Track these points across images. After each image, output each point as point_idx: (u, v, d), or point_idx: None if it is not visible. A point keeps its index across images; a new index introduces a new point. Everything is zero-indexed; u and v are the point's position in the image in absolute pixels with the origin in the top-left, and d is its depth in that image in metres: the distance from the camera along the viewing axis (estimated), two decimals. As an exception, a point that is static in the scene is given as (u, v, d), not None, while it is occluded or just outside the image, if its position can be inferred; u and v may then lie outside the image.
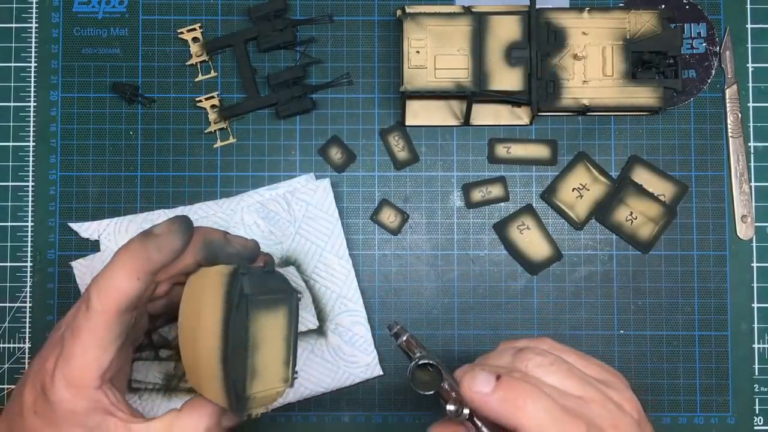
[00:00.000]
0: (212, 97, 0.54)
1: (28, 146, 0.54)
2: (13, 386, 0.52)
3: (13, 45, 0.54)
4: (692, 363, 0.53)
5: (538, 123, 0.54)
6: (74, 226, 0.52)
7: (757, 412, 0.53)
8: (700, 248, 0.53)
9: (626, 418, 0.35)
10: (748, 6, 0.55)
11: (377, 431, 0.52)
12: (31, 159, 0.54)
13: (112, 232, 0.52)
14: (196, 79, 0.54)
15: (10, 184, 0.54)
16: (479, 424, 0.35)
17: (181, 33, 0.54)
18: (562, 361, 0.36)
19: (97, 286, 0.37)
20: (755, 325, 0.53)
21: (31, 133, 0.54)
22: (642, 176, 0.54)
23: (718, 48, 0.55)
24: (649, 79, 0.51)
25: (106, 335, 0.36)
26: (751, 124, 0.54)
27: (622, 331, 0.53)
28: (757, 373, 0.53)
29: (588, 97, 0.51)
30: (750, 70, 0.55)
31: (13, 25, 0.54)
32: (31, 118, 0.54)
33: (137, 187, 0.53)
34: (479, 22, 0.51)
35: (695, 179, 0.54)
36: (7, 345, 0.53)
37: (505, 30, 0.51)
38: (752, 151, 0.54)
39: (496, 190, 0.54)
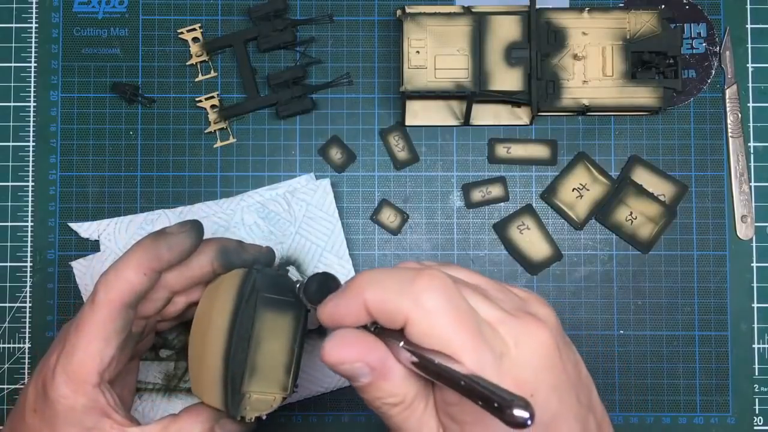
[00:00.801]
0: (212, 97, 0.54)
1: (28, 146, 0.54)
2: (13, 386, 0.53)
3: (13, 45, 0.54)
4: (692, 363, 0.53)
5: (538, 123, 0.54)
6: (74, 226, 0.52)
7: (757, 412, 0.53)
8: (700, 248, 0.53)
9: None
10: (748, 6, 0.55)
11: (377, 431, 0.52)
12: (31, 159, 0.54)
13: (112, 232, 0.52)
14: (196, 79, 0.54)
15: (10, 184, 0.54)
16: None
17: (181, 33, 0.54)
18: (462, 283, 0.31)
19: (106, 279, 0.37)
20: (755, 325, 0.53)
21: (31, 133, 0.54)
22: (642, 176, 0.54)
23: (718, 48, 0.55)
24: (649, 79, 0.51)
25: (109, 326, 0.37)
26: (751, 124, 0.54)
27: (622, 331, 0.53)
28: (757, 373, 0.53)
29: (588, 97, 0.51)
30: (750, 70, 0.55)
31: (13, 25, 0.54)
32: (31, 118, 0.54)
33: (137, 187, 0.54)
34: (479, 22, 0.51)
35: (695, 179, 0.54)
36: (7, 345, 0.53)
37: (505, 30, 0.51)
38: (752, 151, 0.54)
39: (496, 190, 0.54)
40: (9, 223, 0.53)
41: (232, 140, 0.54)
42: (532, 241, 0.53)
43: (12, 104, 0.54)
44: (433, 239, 0.54)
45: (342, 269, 0.52)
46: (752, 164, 0.54)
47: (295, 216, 0.52)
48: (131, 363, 0.43)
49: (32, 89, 0.54)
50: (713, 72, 0.54)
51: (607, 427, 0.32)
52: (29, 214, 0.53)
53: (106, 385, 0.37)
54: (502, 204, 0.54)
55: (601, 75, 0.51)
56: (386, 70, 0.54)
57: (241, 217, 0.52)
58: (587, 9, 0.52)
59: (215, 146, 0.54)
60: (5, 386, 0.53)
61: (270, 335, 0.37)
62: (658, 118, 0.54)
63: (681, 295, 0.53)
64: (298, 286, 0.38)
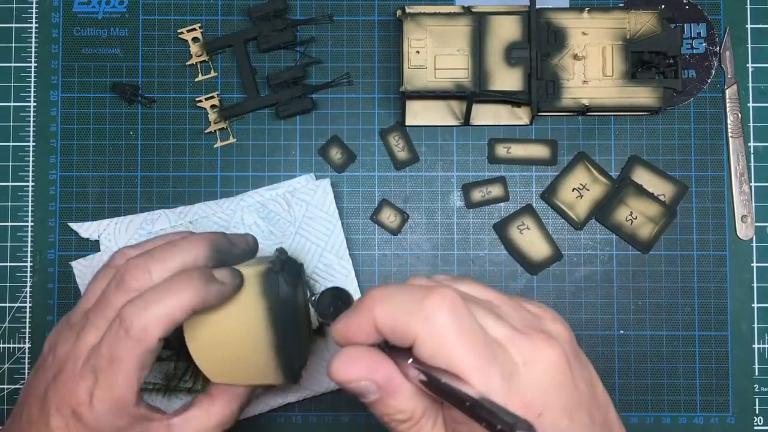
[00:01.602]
0: (212, 97, 0.54)
1: (28, 146, 0.54)
2: (13, 386, 0.52)
3: (13, 45, 0.54)
4: (692, 363, 0.53)
5: (538, 123, 0.54)
6: (74, 226, 0.52)
7: (757, 412, 0.53)
8: (700, 248, 0.53)
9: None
10: (748, 6, 0.55)
11: (377, 431, 0.52)
12: (31, 159, 0.54)
13: (112, 232, 0.52)
14: (196, 79, 0.54)
15: (10, 184, 0.54)
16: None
17: (181, 33, 0.54)
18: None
19: (144, 312, 0.36)
20: (755, 325, 0.53)
21: (31, 133, 0.54)
22: (642, 176, 0.54)
23: (718, 48, 0.55)
24: (649, 79, 0.51)
25: (147, 357, 0.37)
26: (751, 124, 0.54)
27: (622, 331, 0.53)
28: (757, 373, 0.53)
29: (588, 97, 0.51)
30: (750, 70, 0.55)
31: (13, 25, 0.54)
32: (31, 118, 0.54)
33: (137, 187, 0.54)
34: (479, 22, 0.51)
35: (695, 179, 0.54)
36: (7, 345, 0.53)
37: (505, 30, 0.51)
38: (752, 151, 0.54)
39: (496, 190, 0.54)
40: (9, 223, 0.53)
41: (232, 140, 0.54)
42: (532, 241, 0.53)
43: (12, 104, 0.54)
44: (433, 239, 0.54)
45: (342, 269, 0.52)
46: (752, 164, 0.54)
47: (295, 216, 0.52)
48: None
49: (32, 89, 0.54)
50: (713, 72, 0.54)
51: None
52: (29, 214, 0.53)
53: (139, 394, 0.38)
54: (502, 204, 0.54)
55: (601, 75, 0.51)
56: (386, 70, 0.54)
57: (241, 217, 0.52)
58: (587, 9, 0.52)
59: (215, 146, 0.54)
60: (5, 386, 0.53)
61: (301, 315, 0.43)
62: (658, 118, 0.54)
63: (681, 295, 0.53)
64: (313, 299, 0.41)
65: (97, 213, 0.53)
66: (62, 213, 0.53)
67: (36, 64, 0.54)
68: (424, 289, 0.29)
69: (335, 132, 0.54)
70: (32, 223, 0.53)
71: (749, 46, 0.55)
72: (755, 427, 0.53)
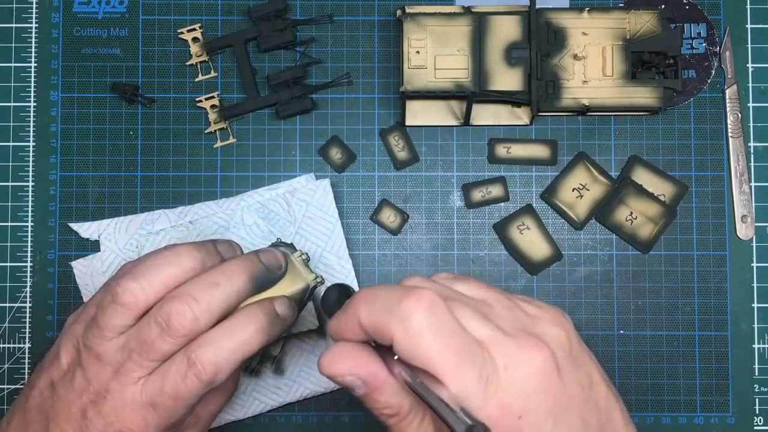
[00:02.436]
0: (212, 97, 0.54)
1: (28, 146, 0.54)
2: (13, 386, 0.52)
3: (13, 45, 0.54)
4: (692, 363, 0.53)
5: (538, 123, 0.54)
6: (74, 226, 0.52)
7: (757, 412, 0.53)
8: (700, 248, 0.53)
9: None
10: (748, 6, 0.55)
11: (377, 431, 0.52)
12: (31, 159, 0.54)
13: (112, 232, 0.52)
14: (196, 79, 0.54)
15: (10, 184, 0.54)
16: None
17: (181, 33, 0.54)
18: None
19: (216, 359, 0.37)
20: (755, 325, 0.53)
21: (31, 133, 0.54)
22: (642, 176, 0.54)
23: (718, 48, 0.55)
24: (649, 79, 0.51)
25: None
26: (751, 124, 0.54)
27: (622, 331, 0.53)
28: (757, 373, 0.53)
29: (588, 97, 0.51)
30: (750, 70, 0.55)
31: (13, 25, 0.54)
32: (31, 118, 0.54)
33: (137, 187, 0.54)
34: (479, 22, 0.51)
35: (695, 179, 0.54)
36: (7, 345, 0.53)
37: (505, 30, 0.51)
38: (752, 151, 0.54)
39: (496, 190, 0.54)
40: (9, 223, 0.53)
41: (232, 140, 0.54)
42: (532, 241, 0.53)
43: (12, 104, 0.54)
44: (433, 239, 0.54)
45: (342, 269, 0.52)
46: (752, 164, 0.54)
47: (295, 216, 0.52)
48: None
49: (32, 89, 0.54)
50: (713, 72, 0.54)
51: None
52: (29, 214, 0.53)
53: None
54: (502, 204, 0.54)
55: (601, 75, 0.51)
56: (386, 70, 0.54)
57: (241, 217, 0.52)
58: (587, 9, 0.52)
59: (215, 146, 0.54)
60: (5, 386, 0.53)
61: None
62: (658, 118, 0.54)
63: (681, 295, 0.53)
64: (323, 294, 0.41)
65: (97, 213, 0.53)
66: (62, 213, 0.53)
67: (36, 64, 0.54)
68: (405, 290, 0.29)
69: (335, 132, 0.54)
70: (32, 223, 0.53)
71: (749, 46, 0.55)
72: (755, 427, 0.53)
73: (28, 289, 0.53)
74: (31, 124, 0.54)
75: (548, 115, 0.54)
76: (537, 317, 0.32)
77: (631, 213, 0.53)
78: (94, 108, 0.54)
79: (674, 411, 0.53)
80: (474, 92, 0.50)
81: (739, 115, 0.54)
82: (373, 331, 0.30)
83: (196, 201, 0.53)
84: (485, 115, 0.54)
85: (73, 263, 0.52)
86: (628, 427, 0.32)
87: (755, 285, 0.53)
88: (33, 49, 0.54)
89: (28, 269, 0.53)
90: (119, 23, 0.54)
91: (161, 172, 0.54)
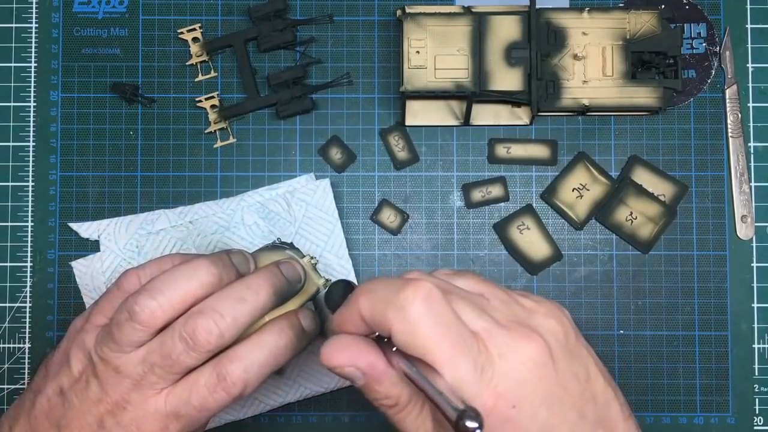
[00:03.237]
0: (212, 97, 0.54)
1: (28, 146, 0.54)
2: (13, 386, 0.53)
3: (13, 45, 0.54)
4: (692, 363, 0.53)
5: (538, 123, 0.54)
6: (74, 226, 0.52)
7: (757, 412, 0.53)
8: (700, 248, 0.53)
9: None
10: (748, 6, 0.55)
11: (377, 431, 0.52)
12: (31, 159, 0.54)
13: (112, 232, 0.52)
14: (196, 79, 0.54)
15: (10, 184, 0.54)
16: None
17: (181, 33, 0.54)
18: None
19: (246, 375, 0.37)
20: (755, 325, 0.53)
21: (31, 133, 0.54)
22: (642, 176, 0.54)
23: (718, 48, 0.55)
24: (649, 79, 0.51)
25: None
26: (751, 124, 0.54)
27: (622, 331, 0.53)
28: (757, 373, 0.53)
29: (588, 97, 0.51)
30: (750, 70, 0.55)
31: (13, 25, 0.54)
32: (31, 118, 0.54)
33: (137, 187, 0.54)
34: (479, 22, 0.51)
35: (695, 179, 0.54)
36: (7, 345, 0.53)
37: (505, 30, 0.51)
38: (752, 151, 0.54)
39: (496, 190, 0.54)
40: (9, 223, 0.53)
41: (232, 140, 0.54)
42: (532, 241, 0.53)
43: (12, 104, 0.54)
44: (433, 239, 0.54)
45: (342, 269, 0.52)
46: (752, 164, 0.54)
47: (294, 216, 0.52)
48: None
49: (32, 89, 0.54)
50: (713, 72, 0.54)
51: None
52: (29, 214, 0.53)
53: None
54: (502, 204, 0.54)
55: (601, 75, 0.51)
56: (386, 70, 0.54)
57: (241, 217, 0.52)
58: (587, 9, 0.52)
59: (215, 146, 0.54)
60: (5, 386, 0.53)
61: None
62: (658, 118, 0.54)
63: (681, 295, 0.53)
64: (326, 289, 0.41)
65: (97, 213, 0.53)
66: (62, 213, 0.53)
67: (36, 64, 0.54)
68: (403, 282, 0.30)
69: (335, 132, 0.54)
70: (32, 223, 0.53)
71: (749, 46, 0.55)
72: (755, 427, 0.53)
73: (28, 289, 0.53)
74: (31, 124, 0.54)
75: (548, 115, 0.54)
76: (533, 310, 0.33)
77: (631, 213, 0.53)
78: (94, 108, 0.54)
79: (674, 411, 0.53)
80: (474, 92, 0.50)
81: (739, 115, 0.54)
82: (373, 322, 0.31)
83: (196, 201, 0.53)
84: (485, 115, 0.54)
85: (73, 263, 0.52)
86: (627, 421, 0.33)
87: (755, 285, 0.53)
88: (33, 49, 0.54)
89: (28, 269, 0.53)
90: (119, 23, 0.54)
91: (161, 172, 0.54)
